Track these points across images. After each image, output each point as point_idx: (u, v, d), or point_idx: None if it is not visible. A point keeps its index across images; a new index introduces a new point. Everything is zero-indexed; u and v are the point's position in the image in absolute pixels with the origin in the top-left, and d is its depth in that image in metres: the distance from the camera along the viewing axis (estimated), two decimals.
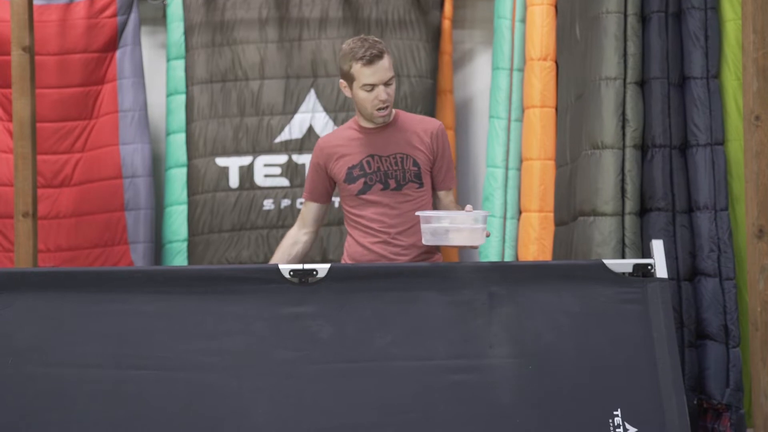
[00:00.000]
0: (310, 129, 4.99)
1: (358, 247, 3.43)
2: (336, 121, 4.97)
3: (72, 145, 4.99)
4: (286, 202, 4.95)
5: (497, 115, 4.90)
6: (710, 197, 3.82)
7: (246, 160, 4.96)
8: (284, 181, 4.96)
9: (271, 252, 4.81)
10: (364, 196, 3.40)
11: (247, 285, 3.09)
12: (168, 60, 5.11)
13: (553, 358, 2.99)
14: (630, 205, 3.84)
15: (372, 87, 3.30)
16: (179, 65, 5.07)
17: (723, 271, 3.77)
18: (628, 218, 3.84)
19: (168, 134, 5.09)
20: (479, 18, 5.28)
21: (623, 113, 3.89)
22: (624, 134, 3.88)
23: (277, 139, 4.98)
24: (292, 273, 3.09)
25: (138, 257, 4.95)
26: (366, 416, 2.92)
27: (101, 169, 4.97)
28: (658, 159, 3.87)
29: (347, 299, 3.07)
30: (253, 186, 4.95)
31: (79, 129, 5.00)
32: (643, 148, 3.91)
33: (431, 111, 4.98)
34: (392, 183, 3.39)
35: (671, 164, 3.88)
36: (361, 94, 3.32)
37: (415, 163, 3.39)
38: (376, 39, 3.33)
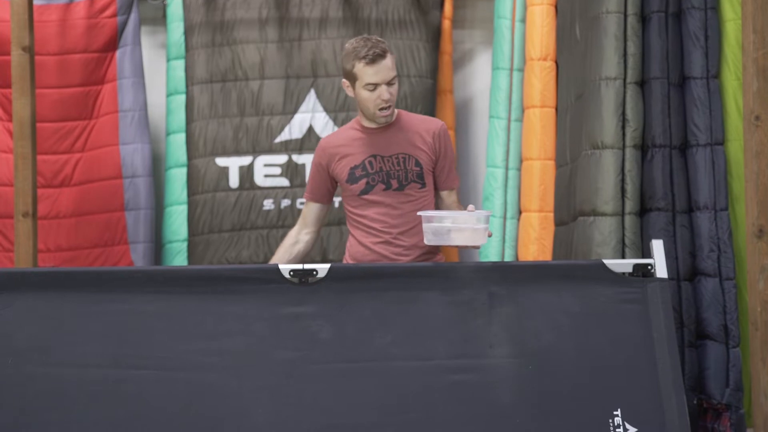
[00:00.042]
0: (310, 129, 4.99)
1: (359, 247, 3.43)
2: (336, 121, 4.97)
3: (72, 145, 4.99)
4: (286, 202, 4.95)
5: (497, 115, 4.90)
6: (710, 197, 3.82)
7: (246, 160, 4.96)
8: (284, 181, 4.96)
9: (271, 252, 4.81)
10: (366, 197, 3.40)
11: (247, 285, 3.09)
12: (168, 60, 5.11)
13: (553, 358, 2.99)
14: (630, 205, 3.84)
15: (375, 86, 3.30)
16: (179, 65, 5.07)
17: (723, 271, 3.77)
18: (628, 218, 3.84)
19: (168, 134, 5.09)
20: (479, 18, 5.28)
21: (623, 113, 3.89)
22: (624, 134, 3.88)
23: (277, 139, 4.98)
24: (292, 273, 3.09)
25: (138, 257, 4.94)
26: (366, 416, 2.92)
27: (101, 169, 4.97)
28: (658, 159, 3.87)
29: (347, 299, 3.07)
30: (253, 186, 4.95)
31: (79, 129, 5.00)
32: (643, 148, 3.91)
33: (431, 111, 4.98)
34: (394, 183, 3.38)
35: (671, 164, 3.88)
36: (364, 94, 3.32)
37: (418, 163, 3.39)
38: (379, 38, 3.33)
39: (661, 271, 3.11)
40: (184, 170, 5.02)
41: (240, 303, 3.06)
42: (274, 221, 4.93)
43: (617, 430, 2.87)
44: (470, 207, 3.20)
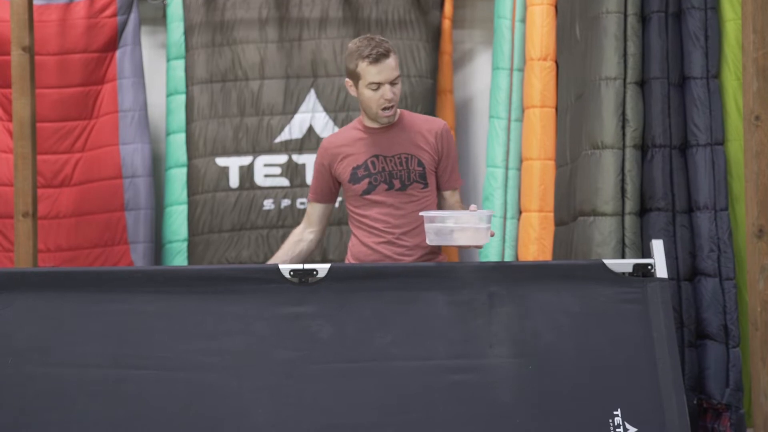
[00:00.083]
0: (310, 129, 4.99)
1: (362, 247, 3.43)
2: (336, 121, 4.97)
3: (72, 145, 4.99)
4: (286, 202, 4.95)
5: (497, 115, 4.90)
6: (710, 197, 3.82)
7: (246, 160, 4.96)
8: (284, 181, 4.96)
9: (271, 252, 4.81)
10: (368, 197, 3.40)
11: (247, 285, 3.08)
12: (168, 60, 5.11)
13: (553, 358, 2.99)
14: (630, 205, 3.84)
15: (378, 86, 3.30)
16: (179, 65, 5.07)
17: (723, 271, 3.77)
18: (628, 218, 3.84)
19: (168, 134, 5.09)
20: (479, 18, 5.28)
21: (623, 113, 3.89)
22: (624, 134, 3.88)
23: (277, 139, 4.98)
24: (292, 273, 3.09)
25: (138, 257, 4.95)
26: (366, 416, 2.92)
27: (101, 169, 4.97)
28: (658, 159, 3.87)
29: (347, 299, 3.07)
30: (253, 186, 4.95)
31: (79, 129, 5.00)
32: (643, 148, 3.91)
33: (431, 111, 4.98)
34: (397, 183, 3.38)
35: (671, 164, 3.88)
36: (367, 93, 3.32)
37: (420, 164, 3.39)
38: (383, 38, 3.33)
39: (661, 271, 3.11)
40: (184, 170, 5.02)
41: (240, 303, 3.06)
42: (274, 221, 4.93)
43: (617, 430, 2.87)
44: (472, 207, 3.20)
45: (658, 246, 3.15)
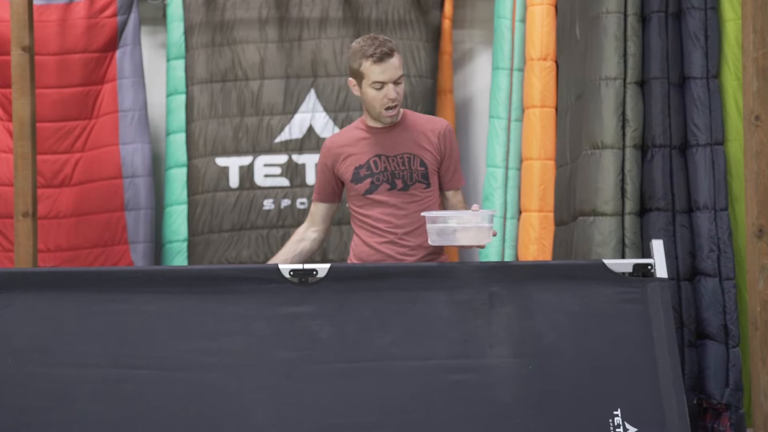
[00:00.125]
0: (310, 129, 4.99)
1: (364, 247, 3.42)
2: (336, 121, 4.97)
3: (72, 145, 4.99)
4: (286, 202, 4.95)
5: (497, 115, 4.90)
6: (710, 197, 3.82)
7: (246, 160, 4.96)
8: (284, 181, 4.96)
9: (271, 252, 4.82)
10: (370, 196, 3.39)
11: (247, 285, 3.08)
12: (168, 60, 5.11)
13: (553, 358, 2.98)
14: (630, 205, 3.84)
15: (381, 85, 3.29)
16: (179, 65, 5.07)
17: (723, 271, 3.77)
18: (628, 218, 3.84)
19: (168, 134, 5.09)
20: (479, 18, 5.28)
21: (623, 113, 3.89)
22: (624, 134, 3.88)
23: (277, 139, 4.99)
24: (292, 273, 3.09)
25: (138, 257, 4.95)
26: (366, 416, 2.92)
27: (101, 169, 4.97)
28: (658, 159, 3.87)
29: (347, 299, 3.07)
30: (253, 186, 4.95)
31: (79, 129, 5.00)
32: (643, 148, 3.91)
33: (431, 111, 4.98)
34: (399, 183, 3.38)
35: (671, 164, 3.88)
36: (371, 93, 3.32)
37: (423, 163, 3.39)
38: (387, 38, 3.33)
39: (661, 271, 3.11)
40: (184, 170, 5.02)
41: (240, 303, 3.06)
42: (274, 221, 4.93)
43: (617, 430, 2.87)
44: (474, 207, 3.19)
45: (658, 246, 3.15)
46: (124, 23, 5.02)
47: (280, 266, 3.11)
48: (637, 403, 2.91)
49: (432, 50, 5.04)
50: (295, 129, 4.99)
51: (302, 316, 3.05)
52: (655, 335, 3.01)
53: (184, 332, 3.03)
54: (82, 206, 4.95)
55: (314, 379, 2.96)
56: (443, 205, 3.52)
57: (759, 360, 3.44)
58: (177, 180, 5.03)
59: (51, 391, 2.95)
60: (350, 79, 3.37)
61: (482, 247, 3.16)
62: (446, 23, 5.10)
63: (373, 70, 3.28)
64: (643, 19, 3.96)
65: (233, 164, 4.96)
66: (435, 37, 5.06)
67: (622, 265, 3.13)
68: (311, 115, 4.99)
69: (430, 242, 3.16)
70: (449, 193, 3.49)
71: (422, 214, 3.20)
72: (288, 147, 4.98)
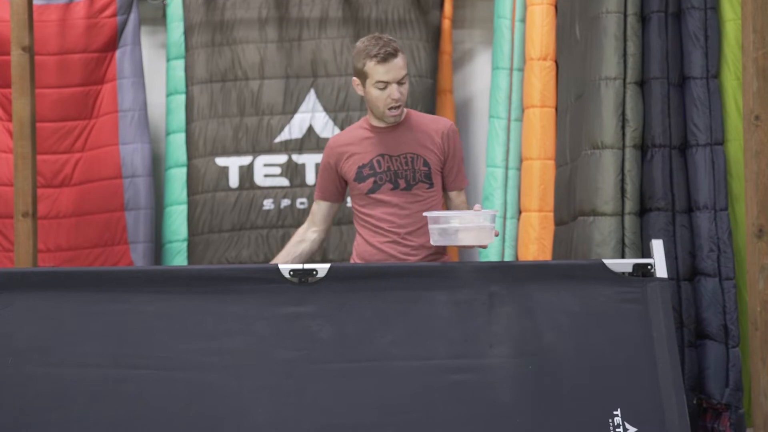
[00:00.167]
0: (310, 129, 4.99)
1: (367, 246, 3.42)
2: (336, 121, 4.97)
3: (72, 145, 4.99)
4: (285, 202, 4.95)
5: (497, 114, 4.90)
6: (710, 197, 3.82)
7: (246, 160, 4.96)
8: (284, 181, 4.96)
9: (271, 252, 4.82)
10: (373, 196, 3.39)
11: (247, 285, 3.08)
12: (168, 60, 5.11)
13: (553, 358, 2.98)
14: (630, 205, 3.84)
15: (385, 85, 3.29)
16: (179, 65, 5.07)
17: (723, 271, 3.77)
18: (627, 218, 3.84)
19: (168, 134, 5.09)
20: (479, 18, 5.28)
21: (623, 113, 3.89)
22: (624, 134, 3.88)
23: (277, 139, 4.99)
24: (292, 273, 3.09)
25: (138, 257, 4.95)
26: (366, 416, 2.92)
27: (101, 169, 4.97)
28: (658, 159, 3.87)
29: (347, 299, 3.07)
30: (252, 186, 4.95)
31: (79, 129, 5.00)
32: (643, 148, 3.91)
33: (431, 111, 4.98)
34: (402, 183, 3.38)
35: (671, 164, 3.88)
36: (374, 92, 3.32)
37: (426, 164, 3.39)
38: (391, 38, 3.33)
39: (661, 270, 3.11)
40: (184, 170, 5.02)
41: (240, 303, 3.06)
42: (273, 221, 4.93)
43: (617, 430, 2.87)
44: (477, 206, 3.19)
45: (657, 246, 3.15)
46: (124, 23, 5.02)
47: (280, 266, 3.11)
48: (637, 403, 2.91)
49: (432, 50, 5.04)
50: (294, 129, 4.99)
51: (302, 316, 3.05)
52: (655, 335, 3.01)
53: (184, 332, 3.03)
54: (82, 206, 4.95)
55: (314, 379, 2.96)
56: (446, 206, 3.52)
57: (759, 360, 3.44)
58: (177, 180, 5.03)
59: (51, 391, 2.95)
60: (354, 78, 3.37)
61: (484, 247, 3.16)
62: (446, 23, 5.10)
63: (376, 70, 3.28)
64: (643, 19, 3.96)
65: (233, 164, 4.96)
66: (435, 36, 5.06)
67: (622, 265, 3.13)
68: (311, 115, 4.99)
69: (432, 242, 3.16)
70: (452, 194, 3.49)
71: (424, 214, 3.20)
72: (288, 147, 4.98)
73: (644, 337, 3.01)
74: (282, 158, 4.97)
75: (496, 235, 3.17)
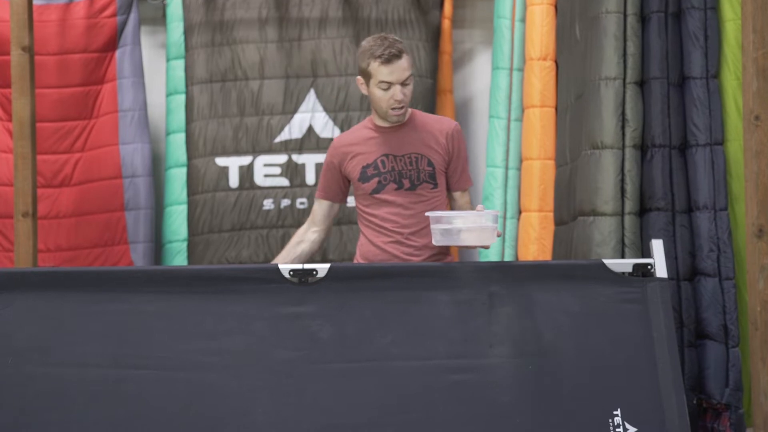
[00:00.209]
0: (310, 129, 4.99)
1: (371, 246, 3.42)
2: (336, 121, 4.97)
3: (72, 145, 4.99)
4: (285, 202, 4.95)
5: (497, 114, 4.90)
6: (710, 197, 3.82)
7: (246, 160, 4.96)
8: (284, 181, 4.96)
9: (271, 252, 4.82)
10: (377, 195, 3.39)
11: (247, 285, 3.08)
12: (168, 60, 5.11)
13: (553, 358, 2.99)
14: (630, 205, 3.84)
15: (389, 85, 3.29)
16: (179, 65, 5.07)
17: (722, 271, 3.77)
18: (627, 218, 3.84)
19: (168, 134, 5.09)
20: (479, 18, 5.28)
21: (623, 113, 3.89)
22: (624, 134, 3.88)
23: (277, 139, 4.99)
24: (291, 273, 3.09)
25: (138, 257, 4.95)
26: (366, 416, 2.92)
27: (101, 169, 4.97)
28: (658, 159, 3.87)
29: (347, 299, 3.07)
30: (252, 186, 4.95)
31: (78, 129, 5.00)
32: (643, 148, 3.91)
33: (431, 111, 4.98)
34: (406, 183, 3.38)
35: (671, 164, 3.88)
36: (378, 92, 3.32)
37: (430, 164, 3.38)
38: (396, 38, 3.32)
39: (661, 270, 3.11)
40: (184, 170, 5.03)
41: (240, 303, 3.06)
42: (273, 221, 4.93)
43: (617, 430, 2.87)
44: (479, 207, 3.20)
45: (657, 246, 3.15)
46: (124, 23, 5.02)
47: (280, 266, 3.11)
48: (637, 403, 2.91)
49: (432, 50, 5.04)
50: (294, 129, 4.99)
51: (302, 316, 3.05)
52: (655, 335, 3.01)
53: (184, 332, 3.03)
54: (82, 206, 4.95)
55: (314, 379, 2.96)
56: (451, 206, 3.52)
57: (759, 360, 3.44)
58: (177, 180, 5.03)
59: (51, 391, 2.95)
60: (358, 77, 3.37)
61: (486, 247, 3.16)
62: (446, 23, 5.10)
63: (380, 71, 3.28)
64: (643, 19, 3.96)
65: (233, 164, 4.96)
66: (435, 36, 5.06)
67: (622, 265, 3.13)
68: (311, 115, 4.99)
69: (434, 242, 3.16)
70: (456, 194, 3.49)
71: (426, 214, 3.20)
72: (288, 147, 4.98)
73: (644, 337, 3.01)
74: (282, 158, 4.97)
75: (499, 235, 3.17)
